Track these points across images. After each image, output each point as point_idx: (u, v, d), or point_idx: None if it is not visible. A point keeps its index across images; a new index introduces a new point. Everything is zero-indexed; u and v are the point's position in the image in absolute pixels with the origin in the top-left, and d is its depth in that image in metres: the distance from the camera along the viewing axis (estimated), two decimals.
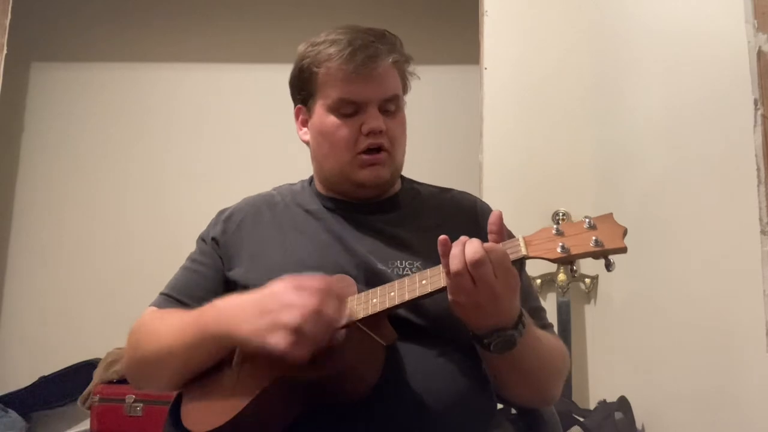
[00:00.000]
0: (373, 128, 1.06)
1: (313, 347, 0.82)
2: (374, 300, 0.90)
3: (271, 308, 0.84)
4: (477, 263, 0.81)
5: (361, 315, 0.89)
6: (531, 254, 0.84)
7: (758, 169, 1.22)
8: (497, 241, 0.86)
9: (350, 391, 0.88)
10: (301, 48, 1.12)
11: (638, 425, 1.79)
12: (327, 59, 1.07)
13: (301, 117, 1.16)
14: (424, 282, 0.89)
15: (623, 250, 0.82)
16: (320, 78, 1.09)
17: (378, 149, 1.07)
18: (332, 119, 1.08)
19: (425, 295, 0.88)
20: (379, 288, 0.92)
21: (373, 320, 0.90)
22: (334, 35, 1.09)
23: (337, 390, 0.88)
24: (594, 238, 0.82)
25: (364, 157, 1.07)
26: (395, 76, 1.10)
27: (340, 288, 0.88)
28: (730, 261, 1.34)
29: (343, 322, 0.85)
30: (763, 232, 1.20)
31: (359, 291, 0.94)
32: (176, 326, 0.97)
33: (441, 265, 0.86)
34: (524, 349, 0.90)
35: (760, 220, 1.21)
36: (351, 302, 0.91)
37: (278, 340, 0.81)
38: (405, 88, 1.15)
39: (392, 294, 0.90)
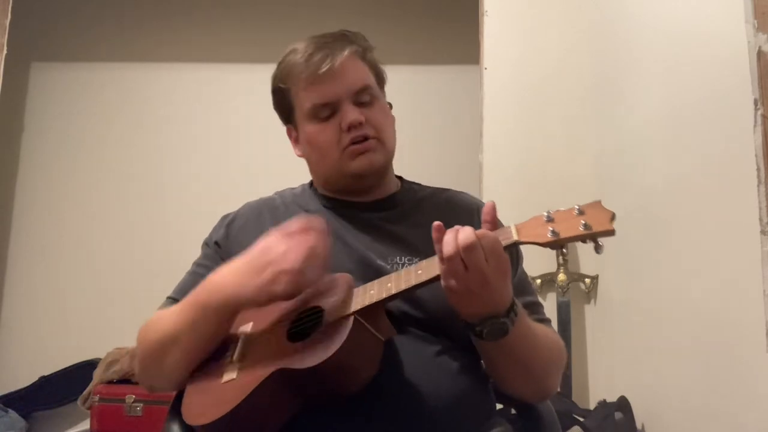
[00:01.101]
0: (352, 122, 1.07)
1: (314, 281, 0.90)
2: (371, 291, 0.91)
3: (269, 260, 0.90)
4: (469, 247, 0.83)
5: (358, 307, 0.90)
6: (522, 239, 0.86)
7: (758, 169, 1.22)
8: (490, 230, 0.88)
9: (347, 385, 0.88)
10: (274, 72, 1.16)
11: (638, 425, 1.79)
12: (290, 71, 1.10)
13: (292, 135, 1.18)
14: (419, 272, 0.90)
15: (611, 232, 0.83)
16: (292, 92, 1.12)
17: (364, 138, 1.08)
18: (313, 127, 1.10)
19: (421, 283, 0.89)
20: (376, 281, 0.93)
21: (371, 314, 0.90)
22: (293, 46, 1.12)
23: (335, 383, 0.88)
24: (583, 222, 0.84)
25: (353, 147, 1.08)
26: (360, 68, 1.11)
27: (316, 222, 0.93)
28: (730, 261, 1.34)
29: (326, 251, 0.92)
30: (763, 232, 1.20)
31: (358, 286, 0.95)
32: (175, 311, 0.99)
33: (436, 255, 0.88)
34: (517, 338, 0.91)
35: (760, 220, 1.21)
36: (349, 296, 0.92)
37: (285, 286, 0.88)
38: (379, 79, 1.16)
39: (389, 285, 0.91)
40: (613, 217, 0.84)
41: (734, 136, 1.31)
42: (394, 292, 0.90)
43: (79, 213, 3.15)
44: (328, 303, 0.93)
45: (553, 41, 2.34)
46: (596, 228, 0.83)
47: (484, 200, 1.23)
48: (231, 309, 0.94)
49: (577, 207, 0.86)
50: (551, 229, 0.84)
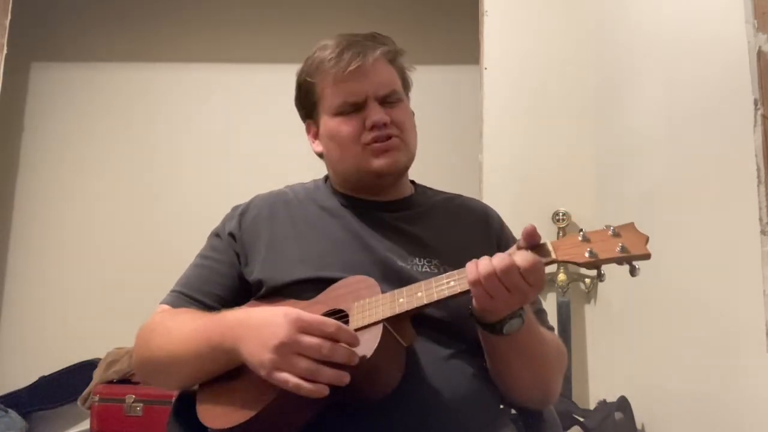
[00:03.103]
0: (376, 121, 1.06)
1: (324, 387, 0.81)
2: (401, 300, 0.90)
3: (273, 344, 0.83)
4: (506, 271, 0.83)
5: (388, 314, 0.89)
6: (560, 258, 0.87)
7: (758, 169, 1.22)
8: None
9: (372, 391, 0.88)
10: (299, 68, 1.16)
11: (638, 425, 1.79)
12: (319, 66, 1.10)
13: (311, 131, 1.18)
14: (452, 283, 0.89)
15: (647, 256, 0.84)
16: (318, 87, 1.11)
17: (387, 137, 1.08)
18: (337, 120, 1.09)
19: (453, 296, 0.89)
20: (405, 288, 0.92)
21: (396, 320, 0.90)
22: (323, 42, 1.12)
23: (360, 388, 0.87)
24: (620, 244, 0.85)
25: (376, 145, 1.07)
26: (389, 71, 1.11)
27: (349, 334, 0.85)
28: (730, 261, 1.34)
29: (355, 361, 0.83)
30: (763, 232, 1.20)
31: (381, 288, 0.94)
32: (187, 334, 0.96)
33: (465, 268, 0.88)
34: (527, 331, 0.93)
35: (760, 220, 1.21)
36: (376, 302, 0.91)
37: (285, 382, 0.81)
38: (405, 85, 1.16)
39: (419, 294, 0.90)
40: (647, 240, 0.85)
41: (734, 136, 1.31)
42: (425, 302, 0.90)
43: (79, 213, 3.15)
44: (352, 307, 0.92)
45: (554, 41, 2.34)
46: (633, 251, 0.84)
47: (485, 200, 1.24)
48: (239, 361, 0.90)
49: (611, 228, 0.87)
50: (589, 249, 0.85)
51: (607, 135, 2.17)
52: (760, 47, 1.24)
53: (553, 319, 2.10)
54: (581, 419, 1.86)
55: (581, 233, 0.87)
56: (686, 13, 1.61)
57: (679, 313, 1.59)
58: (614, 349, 2.05)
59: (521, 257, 0.84)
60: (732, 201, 1.33)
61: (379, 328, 0.87)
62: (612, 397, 1.89)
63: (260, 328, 0.86)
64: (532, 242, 0.87)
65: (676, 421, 1.61)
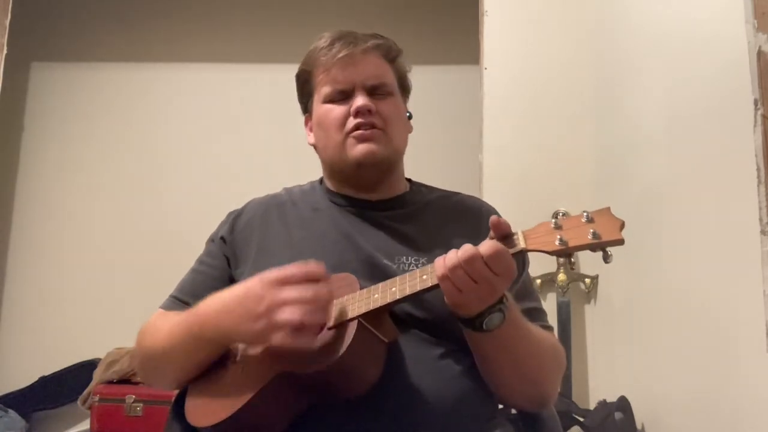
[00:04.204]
0: (360, 107, 1.07)
1: (317, 331, 0.85)
2: (375, 295, 0.91)
3: (261, 311, 0.85)
4: (469, 260, 0.83)
5: (363, 310, 0.89)
6: (529, 247, 0.85)
7: (758, 169, 1.22)
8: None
9: (351, 388, 0.89)
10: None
11: (638, 425, 1.79)
12: (312, 54, 1.13)
13: (308, 123, 1.20)
14: (424, 277, 0.89)
15: (620, 242, 0.82)
16: (313, 76, 1.14)
17: (371, 127, 1.09)
18: (326, 107, 1.12)
19: (426, 289, 0.89)
20: (380, 284, 0.93)
21: (374, 316, 0.90)
22: (321, 34, 1.15)
23: (339, 386, 0.88)
24: (592, 230, 0.82)
25: (357, 133, 1.08)
26: (381, 65, 1.13)
27: (318, 269, 0.89)
28: (730, 261, 1.34)
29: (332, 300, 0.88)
30: (763, 232, 1.20)
31: (363, 286, 0.94)
32: (172, 330, 0.99)
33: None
34: (510, 327, 0.91)
35: (760, 220, 1.21)
36: (353, 299, 0.92)
37: (282, 339, 0.84)
38: (403, 86, 1.17)
39: (393, 289, 0.90)
40: (622, 225, 0.83)
41: (734, 136, 1.31)
42: (398, 297, 0.90)
43: (79, 213, 3.15)
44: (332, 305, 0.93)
45: (554, 40, 2.35)
46: (605, 237, 0.82)
47: (485, 200, 1.23)
48: (225, 343, 0.94)
49: (585, 214, 0.85)
50: (559, 237, 0.83)
51: (607, 135, 2.17)
52: (760, 47, 1.24)
53: (553, 319, 2.10)
54: (581, 419, 1.87)
55: (554, 220, 0.86)
56: (686, 13, 1.61)
57: (679, 313, 1.59)
58: (614, 349, 2.05)
59: (484, 246, 0.84)
60: (732, 201, 1.33)
61: (354, 325, 0.88)
62: (612, 397, 1.89)
63: (241, 303, 0.89)
64: (500, 232, 0.86)
65: (676, 421, 1.61)
